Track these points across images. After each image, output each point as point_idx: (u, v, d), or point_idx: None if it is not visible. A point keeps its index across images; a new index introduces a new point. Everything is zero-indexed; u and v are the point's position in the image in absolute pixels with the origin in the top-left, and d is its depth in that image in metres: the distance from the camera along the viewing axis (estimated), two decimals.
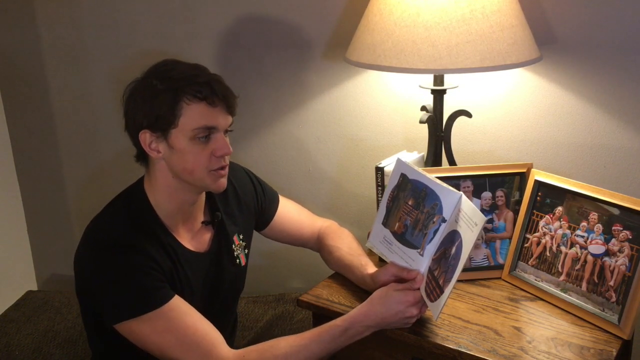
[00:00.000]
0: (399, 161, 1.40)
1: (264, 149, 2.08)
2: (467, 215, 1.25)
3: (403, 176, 1.38)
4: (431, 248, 1.31)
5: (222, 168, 1.34)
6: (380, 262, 1.60)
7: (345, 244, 1.55)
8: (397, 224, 1.39)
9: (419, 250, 1.33)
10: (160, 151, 1.31)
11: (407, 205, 1.37)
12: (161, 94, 1.26)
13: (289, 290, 2.13)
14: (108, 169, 2.37)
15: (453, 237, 1.28)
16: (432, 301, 1.28)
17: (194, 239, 1.42)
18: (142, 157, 1.36)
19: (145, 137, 1.30)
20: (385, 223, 1.42)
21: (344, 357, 1.48)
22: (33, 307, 2.08)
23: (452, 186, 1.31)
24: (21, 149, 2.49)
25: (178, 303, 1.29)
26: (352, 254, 1.52)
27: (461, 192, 1.27)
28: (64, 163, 2.46)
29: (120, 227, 1.32)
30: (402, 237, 1.37)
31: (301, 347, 1.27)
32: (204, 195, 1.44)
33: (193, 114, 1.27)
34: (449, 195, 1.28)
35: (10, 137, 2.47)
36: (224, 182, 1.36)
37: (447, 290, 1.25)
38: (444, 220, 1.28)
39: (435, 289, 1.28)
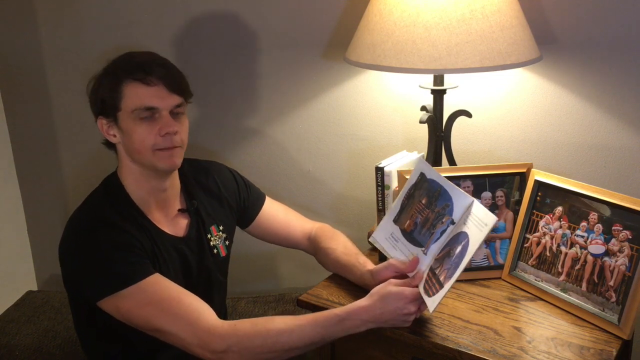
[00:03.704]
0: (420, 159, 1.41)
1: (264, 149, 2.08)
2: (478, 217, 1.26)
3: (422, 175, 1.39)
4: (435, 248, 1.31)
5: (170, 148, 1.35)
6: (380, 260, 1.59)
7: (340, 245, 1.55)
8: (407, 222, 1.39)
9: (423, 249, 1.33)
10: (115, 135, 1.37)
11: (420, 203, 1.37)
12: (104, 79, 1.34)
13: (289, 290, 2.13)
14: (109, 169, 2.36)
15: (459, 237, 1.28)
16: (429, 296, 1.28)
17: (170, 224, 1.45)
18: (108, 144, 1.42)
19: (102, 123, 1.37)
20: (396, 220, 1.42)
21: (344, 357, 1.48)
22: (33, 307, 2.08)
23: None
24: (21, 148, 2.48)
25: (159, 278, 1.30)
26: (348, 253, 1.52)
27: (474, 198, 1.28)
28: (64, 163, 2.46)
29: (100, 210, 1.36)
30: (410, 235, 1.38)
31: (295, 326, 1.27)
32: (176, 182, 1.47)
33: (131, 95, 1.32)
34: (461, 199, 1.29)
35: (10, 136, 2.47)
36: (173, 161, 1.37)
37: (447, 285, 1.25)
38: (452, 222, 1.29)
39: (435, 285, 1.28)
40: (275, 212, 1.64)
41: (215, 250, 1.51)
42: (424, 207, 1.36)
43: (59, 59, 2.31)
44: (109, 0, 2.16)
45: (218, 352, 1.24)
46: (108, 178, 1.45)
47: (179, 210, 1.47)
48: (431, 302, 1.28)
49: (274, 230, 1.64)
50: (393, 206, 1.44)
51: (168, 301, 1.27)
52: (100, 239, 1.30)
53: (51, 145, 2.44)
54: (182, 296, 1.29)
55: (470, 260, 1.54)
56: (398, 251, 1.39)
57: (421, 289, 1.31)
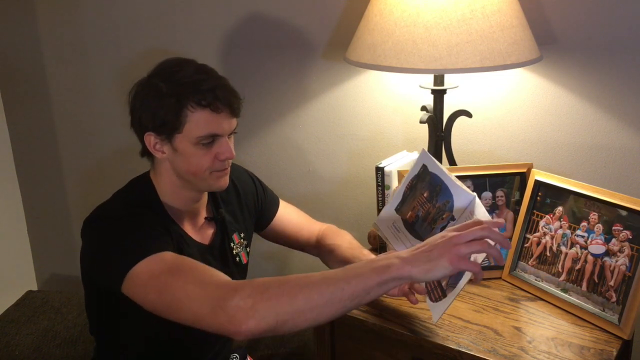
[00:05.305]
0: (423, 151, 1.40)
1: (264, 149, 2.08)
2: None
3: (424, 167, 1.38)
4: None
5: (224, 169, 1.35)
6: None
7: (345, 241, 1.55)
8: (409, 213, 1.39)
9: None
10: (164, 152, 1.32)
11: (422, 196, 1.37)
12: (166, 98, 1.26)
13: None
14: (108, 169, 2.37)
15: None
16: (432, 301, 1.28)
17: (198, 232, 1.43)
18: (147, 153, 1.36)
19: (150, 139, 1.31)
20: (398, 209, 1.42)
21: (344, 357, 1.48)
22: (33, 307, 2.08)
23: None
24: (21, 148, 2.49)
25: (177, 254, 1.24)
26: (352, 248, 1.52)
27: (475, 194, 1.27)
28: (64, 163, 2.46)
29: (128, 206, 1.32)
30: (411, 227, 1.38)
31: (319, 273, 1.09)
32: (206, 192, 1.45)
33: (197, 122, 1.27)
34: (462, 196, 1.28)
35: (10, 137, 2.47)
36: (226, 180, 1.37)
37: (451, 294, 1.24)
38: (452, 219, 1.28)
39: (436, 289, 1.28)
40: (289, 216, 1.64)
41: (237, 259, 1.50)
42: (425, 201, 1.36)
43: (59, 59, 2.31)
44: (109, 0, 2.16)
45: (232, 307, 1.06)
46: (137, 182, 1.40)
47: (205, 218, 1.45)
48: (434, 309, 1.28)
49: (286, 234, 1.63)
50: (395, 194, 1.43)
51: (181, 267, 1.19)
52: (122, 223, 1.26)
53: (51, 145, 2.44)
54: (199, 264, 1.22)
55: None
56: (399, 242, 1.39)
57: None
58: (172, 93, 1.26)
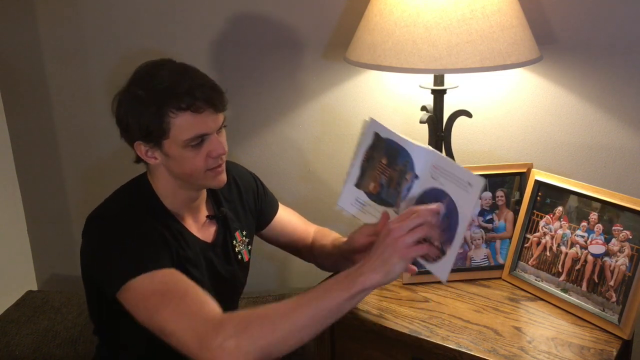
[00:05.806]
0: (372, 120, 1.35)
1: (263, 149, 2.08)
2: (450, 173, 1.20)
3: (376, 135, 1.35)
4: (406, 205, 1.25)
5: (219, 165, 1.34)
6: None
7: (331, 239, 1.56)
8: (372, 184, 1.35)
9: (394, 208, 1.29)
10: (157, 158, 1.32)
11: (381, 164, 1.33)
12: (146, 107, 1.26)
13: (289, 290, 2.13)
14: (108, 169, 2.37)
15: (437, 195, 1.21)
16: (432, 262, 1.20)
17: (200, 230, 1.44)
18: (142, 160, 1.37)
19: (140, 147, 1.32)
20: (358, 184, 1.39)
21: (344, 357, 1.48)
22: (33, 307, 2.08)
23: None
24: (21, 149, 2.48)
25: (173, 271, 1.26)
26: (336, 239, 1.54)
27: (431, 148, 1.24)
28: (64, 163, 2.46)
29: (127, 207, 1.33)
30: (377, 197, 1.34)
31: (289, 300, 1.17)
32: (205, 190, 1.46)
33: (181, 126, 1.26)
34: (419, 152, 1.24)
35: (10, 137, 2.47)
36: (223, 177, 1.37)
37: (451, 251, 1.16)
38: (416, 177, 1.25)
39: (429, 251, 1.19)
40: (288, 219, 1.64)
41: (239, 256, 1.50)
42: (385, 167, 1.32)
43: (59, 59, 2.31)
44: (108, 1, 2.16)
45: (215, 348, 1.11)
46: (134, 182, 1.41)
47: (207, 216, 1.46)
48: (437, 270, 1.19)
49: (283, 237, 1.64)
50: (350, 171, 1.39)
51: (173, 292, 1.21)
52: (122, 227, 1.28)
53: (51, 145, 2.44)
54: (190, 289, 1.23)
55: (470, 260, 1.54)
56: (368, 215, 1.35)
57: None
58: (151, 101, 1.26)
